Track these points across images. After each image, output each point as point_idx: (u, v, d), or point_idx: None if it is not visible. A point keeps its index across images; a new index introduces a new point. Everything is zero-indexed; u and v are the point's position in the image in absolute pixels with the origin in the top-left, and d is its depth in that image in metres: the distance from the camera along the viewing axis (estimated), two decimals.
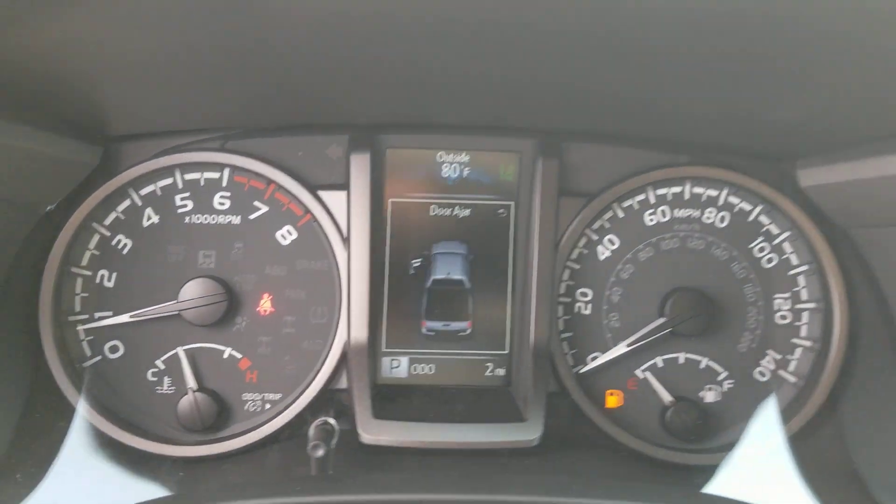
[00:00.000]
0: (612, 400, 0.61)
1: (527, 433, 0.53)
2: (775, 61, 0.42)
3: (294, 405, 0.57)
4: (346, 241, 0.57)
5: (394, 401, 0.57)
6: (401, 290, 0.60)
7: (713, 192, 0.60)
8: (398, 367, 0.60)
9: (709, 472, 0.57)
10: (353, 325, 0.56)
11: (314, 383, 0.57)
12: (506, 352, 0.60)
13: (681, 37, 0.39)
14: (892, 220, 0.51)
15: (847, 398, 0.58)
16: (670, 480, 0.56)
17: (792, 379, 0.59)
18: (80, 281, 0.57)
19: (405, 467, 0.51)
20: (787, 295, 0.60)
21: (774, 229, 0.60)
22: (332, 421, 0.51)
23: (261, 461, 0.54)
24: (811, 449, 0.58)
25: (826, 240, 0.58)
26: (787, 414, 0.58)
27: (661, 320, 0.59)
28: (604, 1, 0.36)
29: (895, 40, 0.36)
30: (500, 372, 0.60)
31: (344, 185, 0.58)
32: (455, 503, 0.43)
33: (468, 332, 0.61)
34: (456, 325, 0.61)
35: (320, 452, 0.45)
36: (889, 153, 0.47)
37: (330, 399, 0.57)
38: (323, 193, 0.58)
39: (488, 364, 0.61)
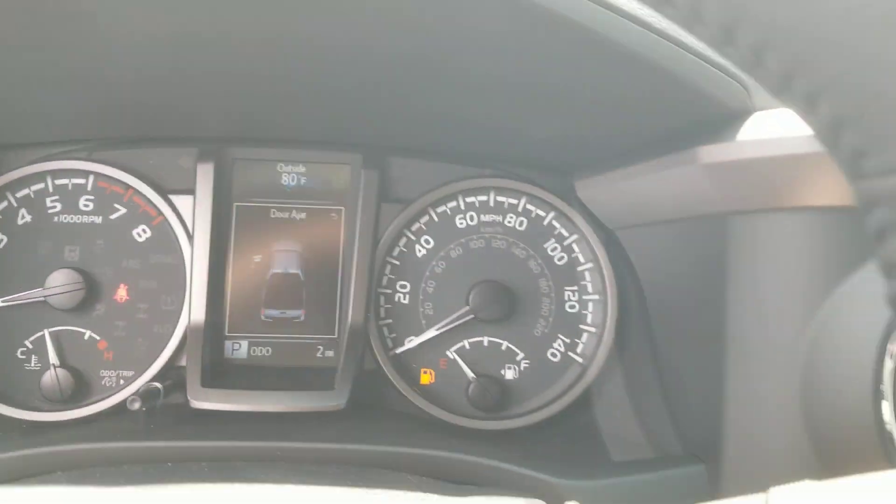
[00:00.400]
0: (426, 377, 0.70)
1: (334, 399, 0.62)
2: (524, 89, 0.52)
3: (140, 379, 0.65)
4: (190, 238, 0.67)
5: (226, 375, 0.66)
6: (243, 281, 0.69)
7: (513, 201, 0.71)
8: (239, 349, 0.69)
9: (504, 435, 0.67)
10: (193, 310, 0.65)
11: (159, 360, 0.66)
12: (335, 336, 0.70)
13: (461, 62, 0.49)
14: (642, 221, 0.63)
15: (614, 374, 0.69)
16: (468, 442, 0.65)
17: (579, 359, 0.69)
18: None
19: (224, 428, 0.60)
20: (574, 288, 0.71)
21: (564, 233, 0.71)
22: (158, 385, 0.60)
23: (101, 425, 0.62)
24: (586, 416, 0.69)
25: (601, 241, 0.69)
26: (572, 387, 0.69)
27: (466, 308, 0.69)
28: (411, 36, 0.46)
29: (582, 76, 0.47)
30: (330, 353, 0.70)
31: (192, 191, 0.67)
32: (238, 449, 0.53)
33: (302, 318, 0.70)
34: (291, 313, 0.70)
35: (136, 405, 0.54)
36: (633, 164, 0.59)
37: (173, 373, 0.66)
38: (174, 198, 0.68)
39: (319, 346, 0.70)
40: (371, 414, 0.66)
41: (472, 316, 0.69)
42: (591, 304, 0.70)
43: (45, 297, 0.65)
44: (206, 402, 0.61)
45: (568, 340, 0.70)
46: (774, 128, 0.48)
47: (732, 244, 0.53)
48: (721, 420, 0.53)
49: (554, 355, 0.70)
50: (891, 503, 0.25)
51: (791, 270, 0.51)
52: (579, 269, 0.70)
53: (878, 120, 0.20)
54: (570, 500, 0.43)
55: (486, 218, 0.71)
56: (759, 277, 0.51)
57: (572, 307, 0.70)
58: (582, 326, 0.70)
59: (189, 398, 0.62)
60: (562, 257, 0.71)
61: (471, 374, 0.69)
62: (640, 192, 0.59)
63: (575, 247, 0.70)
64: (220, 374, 0.66)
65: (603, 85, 0.48)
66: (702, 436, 0.57)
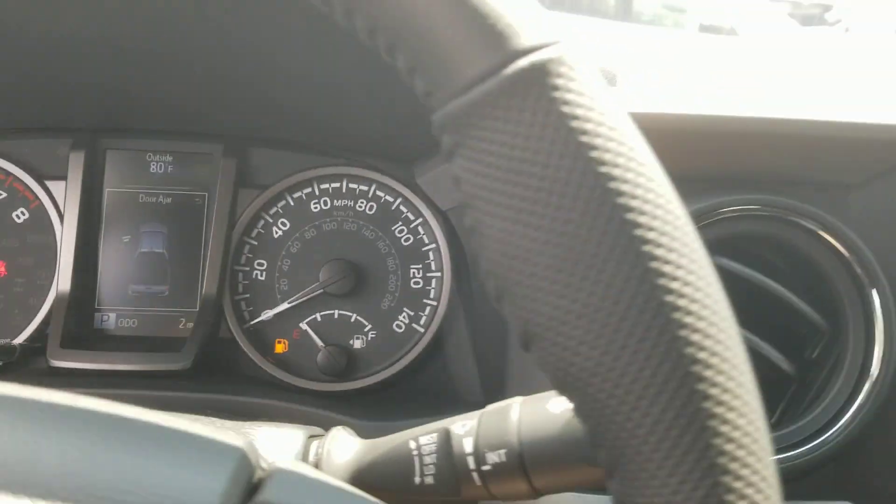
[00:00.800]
0: (280, 347, 0.76)
1: (180, 360, 0.69)
2: (327, 81, 0.60)
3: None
4: (62, 220, 0.74)
5: (89, 341, 0.72)
6: (113, 259, 0.75)
7: (364, 187, 0.78)
8: (108, 320, 0.76)
9: (346, 395, 0.73)
10: (60, 282, 0.72)
11: (29, 327, 0.72)
12: (196, 309, 0.76)
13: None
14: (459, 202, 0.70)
15: (449, 340, 0.75)
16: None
17: (421, 330, 0.76)
18: None
19: (72, 381, 0.66)
20: (419, 266, 0.77)
21: (410, 216, 0.77)
22: (12, 342, 0.66)
23: None
24: (425, 378, 0.75)
25: (439, 223, 0.76)
26: (409, 352, 0.75)
27: (317, 283, 0.75)
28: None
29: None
30: (191, 325, 0.76)
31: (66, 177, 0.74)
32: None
33: (166, 293, 0.76)
34: (156, 288, 0.76)
35: None
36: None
37: (41, 339, 0.72)
38: (50, 183, 0.74)
39: (181, 318, 0.76)
40: (223, 377, 0.72)
41: (321, 290, 0.75)
42: (434, 281, 0.77)
43: None
44: (62, 361, 0.67)
45: (412, 313, 0.77)
46: None
47: None
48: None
49: (399, 326, 0.77)
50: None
51: None
52: (423, 249, 0.77)
53: (432, 68, 0.27)
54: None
55: (338, 203, 0.78)
56: None
57: (416, 283, 0.77)
58: (425, 300, 0.77)
59: (48, 357, 0.68)
60: (408, 238, 0.78)
61: (320, 343, 0.75)
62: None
63: (420, 229, 0.77)
64: (85, 340, 0.72)
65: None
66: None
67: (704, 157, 0.56)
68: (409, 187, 0.77)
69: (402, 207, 0.78)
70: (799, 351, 0.57)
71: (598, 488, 0.37)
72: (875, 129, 0.53)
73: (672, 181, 0.27)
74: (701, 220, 0.54)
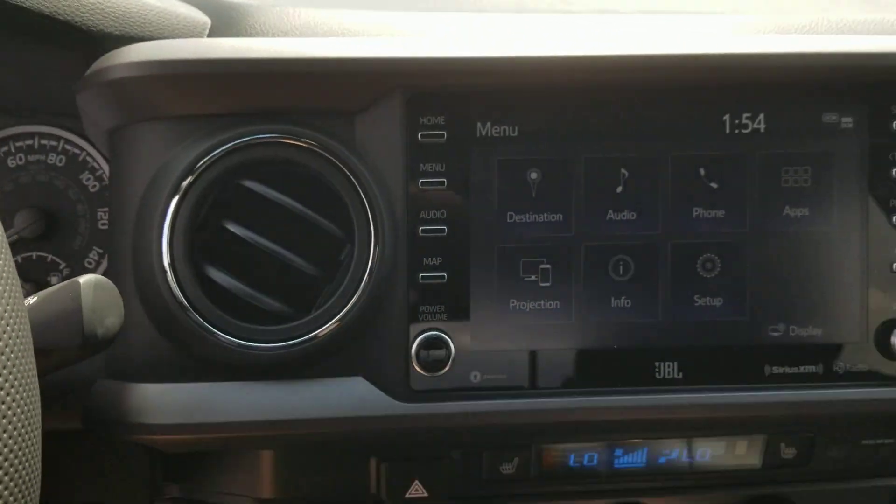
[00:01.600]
0: None
1: None
2: None
3: None
4: None
5: None
6: None
7: (54, 143, 0.89)
8: None
9: None
10: None
11: None
12: None
13: None
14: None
15: None
16: None
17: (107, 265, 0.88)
18: None
19: None
20: (106, 209, 0.89)
21: (95, 166, 0.89)
22: None
23: None
24: None
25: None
26: None
27: (12, 229, 0.87)
28: None
29: None
30: None
31: None
32: None
33: None
34: None
35: None
36: None
37: None
38: None
39: None
40: None
41: (16, 235, 0.87)
42: None
43: None
44: None
45: (101, 251, 0.88)
46: None
47: None
48: None
49: (90, 263, 0.88)
50: None
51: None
52: (107, 193, 0.89)
53: None
54: None
55: (32, 158, 0.90)
56: None
57: (104, 224, 0.88)
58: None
59: None
60: (94, 186, 0.89)
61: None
62: None
63: (104, 177, 0.88)
64: None
65: None
66: None
67: (231, 95, 0.67)
68: (90, 142, 0.88)
69: (87, 159, 0.89)
70: (332, 256, 0.69)
71: None
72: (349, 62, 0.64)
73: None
74: (230, 148, 0.65)
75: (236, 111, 0.67)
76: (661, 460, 0.77)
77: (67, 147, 0.90)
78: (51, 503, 0.83)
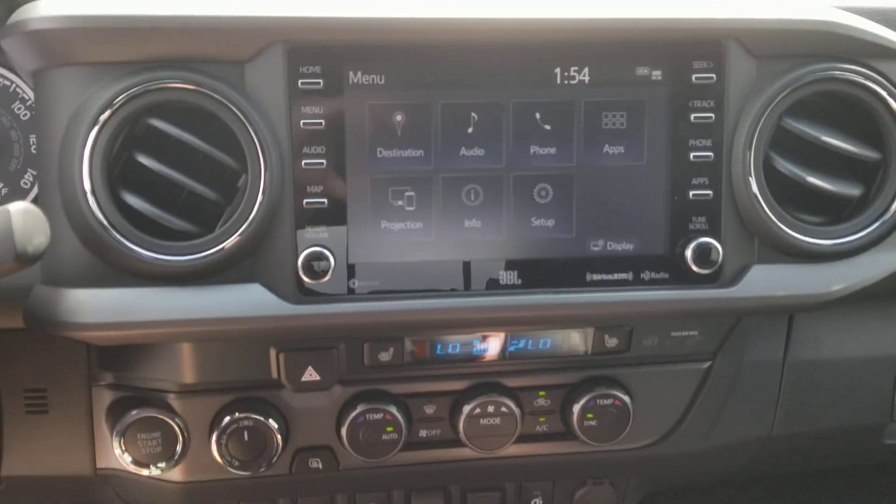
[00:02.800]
0: None
1: None
2: None
3: None
4: None
5: None
6: None
7: None
8: None
9: None
10: None
11: None
12: None
13: None
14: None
15: None
16: None
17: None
18: None
19: None
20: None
21: (25, 97, 0.99)
22: None
23: None
24: None
25: None
26: None
27: None
28: None
29: None
30: None
31: None
32: None
33: None
34: None
35: None
36: None
37: None
38: None
39: None
40: None
41: None
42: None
43: None
44: None
45: (35, 172, 0.99)
46: None
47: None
48: None
49: (25, 184, 1.00)
50: None
51: None
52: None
53: None
54: None
55: None
56: None
57: (35, 147, 1.00)
58: None
59: None
60: (25, 114, 0.99)
61: None
62: None
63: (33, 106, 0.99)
64: None
65: None
66: None
67: (137, 45, 0.78)
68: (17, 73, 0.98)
69: (17, 90, 0.99)
70: (232, 184, 0.82)
71: None
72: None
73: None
74: (139, 91, 0.77)
75: (143, 59, 0.78)
76: (511, 349, 0.95)
77: None
78: (2, 390, 0.98)
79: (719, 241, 0.85)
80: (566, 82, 0.82)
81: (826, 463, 1.27)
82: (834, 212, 0.89)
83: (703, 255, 0.84)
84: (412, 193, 0.83)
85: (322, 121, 0.80)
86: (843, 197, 0.87)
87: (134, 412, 0.93)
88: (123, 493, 1.04)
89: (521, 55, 0.82)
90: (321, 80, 0.79)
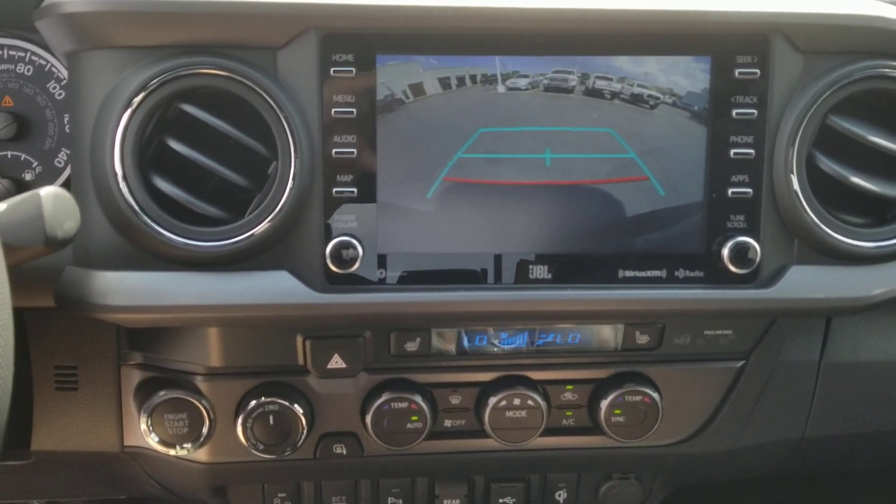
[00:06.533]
0: None
1: None
2: None
3: None
4: None
5: None
6: None
7: (21, 54, 0.99)
8: None
9: None
10: None
11: None
12: None
13: None
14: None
15: None
16: None
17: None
18: None
19: None
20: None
21: (61, 76, 0.99)
22: None
23: None
24: None
25: None
26: None
27: None
28: None
29: None
30: None
31: None
32: None
33: None
34: None
35: None
36: None
37: None
38: None
39: None
40: None
41: None
42: None
43: None
44: None
45: (69, 151, 1.00)
46: None
47: None
48: None
49: (59, 162, 1.00)
50: None
51: None
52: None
53: None
54: None
55: (2, 67, 1.00)
56: None
57: (69, 127, 1.00)
58: None
59: None
60: (60, 93, 0.99)
61: None
62: None
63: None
64: None
65: None
66: None
67: (171, 30, 0.77)
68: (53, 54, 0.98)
69: (52, 69, 0.99)
70: (262, 171, 0.81)
71: None
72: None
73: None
74: (172, 76, 0.77)
75: (177, 44, 0.78)
76: (539, 342, 0.94)
77: (34, 58, 1.00)
78: (34, 365, 1.00)
79: (757, 241, 0.82)
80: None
81: (857, 466, 1.24)
82: (877, 213, 0.86)
83: (740, 254, 0.82)
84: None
85: (353, 109, 0.79)
86: (887, 198, 0.85)
87: (162, 393, 0.94)
88: (150, 470, 1.05)
89: (557, 45, 0.80)
90: (353, 68, 0.78)
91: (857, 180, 0.83)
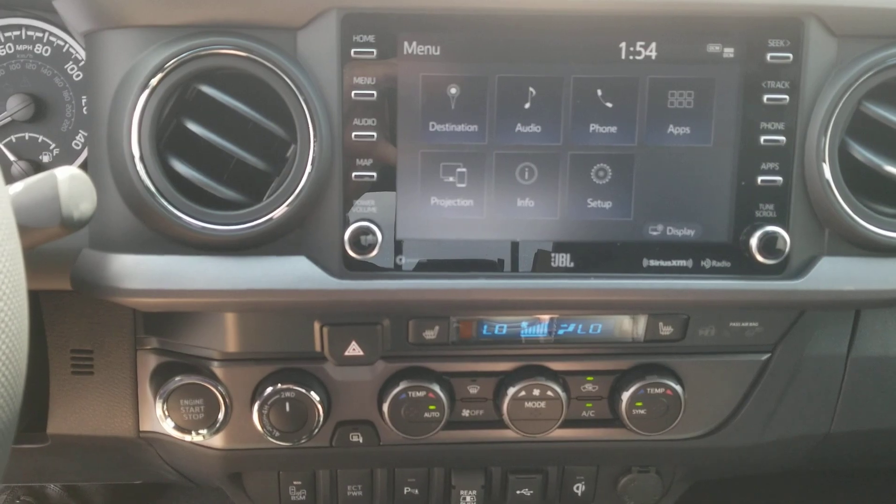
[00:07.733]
0: None
1: None
2: None
3: None
4: None
5: None
6: None
7: (39, 34, 0.98)
8: None
9: None
10: None
11: None
12: None
13: None
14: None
15: None
16: None
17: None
18: None
19: None
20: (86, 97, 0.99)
21: (79, 57, 0.98)
22: None
23: None
24: None
25: None
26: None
27: (5, 112, 0.97)
28: None
29: None
30: None
31: None
32: None
33: None
34: None
35: None
36: None
37: None
38: None
39: None
40: None
41: (9, 118, 0.98)
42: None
43: None
44: None
45: (86, 133, 0.99)
46: None
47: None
48: None
49: (77, 144, 0.99)
50: None
51: None
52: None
53: None
54: None
55: (20, 48, 0.99)
56: None
57: (86, 109, 0.99)
58: None
59: None
60: (78, 74, 0.99)
61: (13, 158, 0.99)
62: None
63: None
64: None
65: None
66: None
67: (190, 10, 0.76)
68: (71, 34, 0.97)
69: (70, 50, 0.98)
70: (281, 154, 0.80)
71: None
72: None
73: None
74: (191, 56, 0.75)
75: (196, 23, 0.76)
76: (560, 332, 0.92)
77: (52, 39, 0.99)
78: (50, 349, 0.99)
79: (787, 231, 0.80)
80: (631, 58, 0.78)
81: (882, 463, 1.22)
82: None
83: (769, 244, 0.80)
84: (464, 169, 0.80)
85: (374, 92, 0.77)
86: None
87: (178, 378, 0.93)
88: (166, 456, 1.05)
89: (584, 28, 0.77)
90: (374, 50, 0.76)
91: (891, 169, 0.80)
